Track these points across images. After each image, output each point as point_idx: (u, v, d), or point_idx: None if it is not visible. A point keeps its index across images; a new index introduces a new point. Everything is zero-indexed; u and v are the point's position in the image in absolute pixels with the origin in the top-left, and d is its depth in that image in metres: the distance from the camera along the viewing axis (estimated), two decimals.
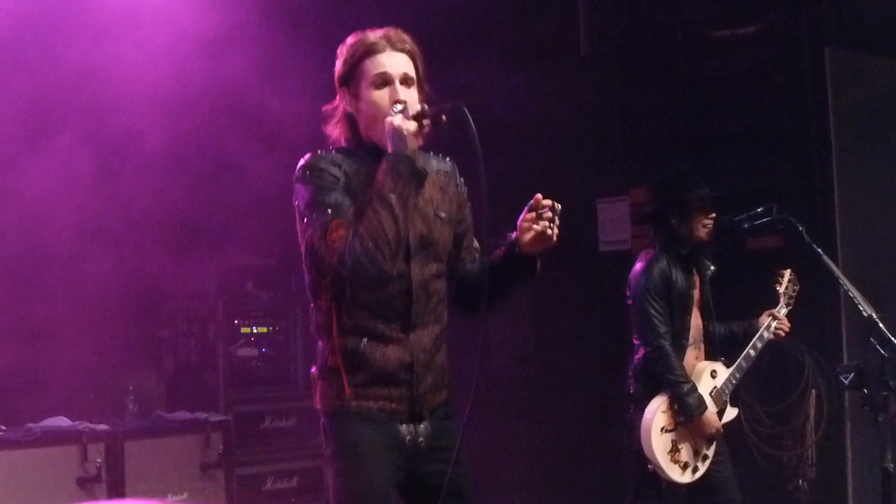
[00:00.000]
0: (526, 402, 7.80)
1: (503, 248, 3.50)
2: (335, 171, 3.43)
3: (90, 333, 6.51)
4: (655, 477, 5.26)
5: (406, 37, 3.53)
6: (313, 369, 3.56)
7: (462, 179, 3.68)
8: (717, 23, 7.18)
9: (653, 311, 5.27)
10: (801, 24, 6.78)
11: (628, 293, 5.44)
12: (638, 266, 5.44)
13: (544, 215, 3.36)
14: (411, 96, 3.45)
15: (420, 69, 3.53)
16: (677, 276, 5.32)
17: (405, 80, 3.47)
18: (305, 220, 3.42)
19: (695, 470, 5.30)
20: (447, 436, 3.53)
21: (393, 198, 3.31)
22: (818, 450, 6.56)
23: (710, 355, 5.46)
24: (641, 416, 5.27)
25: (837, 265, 5.13)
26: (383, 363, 3.42)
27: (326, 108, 3.61)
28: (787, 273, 5.53)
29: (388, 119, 3.37)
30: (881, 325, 4.33)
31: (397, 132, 3.35)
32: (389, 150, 3.37)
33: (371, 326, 3.43)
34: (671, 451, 5.25)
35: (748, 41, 7.02)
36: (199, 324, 7.14)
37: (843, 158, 6.71)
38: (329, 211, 3.35)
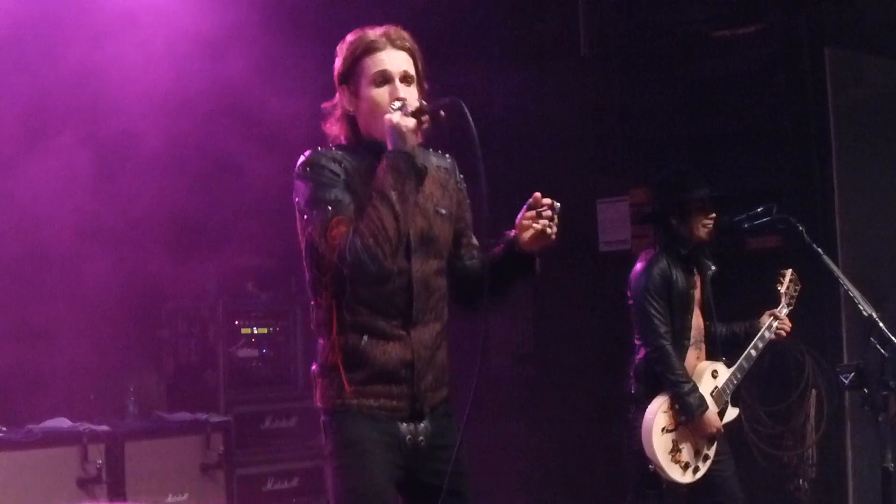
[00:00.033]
0: (526, 402, 7.80)
1: (502, 245, 3.50)
2: (335, 167, 3.42)
3: (90, 334, 6.51)
4: (656, 477, 5.26)
5: (406, 34, 3.53)
6: (314, 367, 3.56)
7: (462, 176, 3.69)
8: (717, 23, 7.17)
9: (653, 311, 5.27)
10: (801, 24, 6.77)
11: (629, 293, 5.44)
12: (638, 266, 5.44)
13: (544, 214, 3.36)
14: (411, 94, 3.46)
15: (420, 67, 3.53)
16: (677, 276, 5.32)
17: (405, 78, 3.47)
18: (305, 216, 3.42)
19: (696, 470, 5.30)
20: (447, 435, 3.53)
21: (393, 195, 3.31)
22: (818, 450, 6.55)
23: (711, 355, 5.46)
24: (642, 417, 5.26)
25: (837, 265, 5.12)
26: (384, 360, 3.42)
27: (326, 105, 3.61)
28: (789, 273, 5.53)
29: (387, 116, 3.38)
30: (881, 325, 4.32)
31: (396, 129, 3.36)
32: (389, 147, 3.37)
33: (372, 323, 3.42)
34: (672, 451, 5.24)
35: (748, 41, 7.02)
36: (199, 324, 7.14)
37: (843, 158, 6.70)
38: (329, 208, 3.35)
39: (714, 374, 5.38)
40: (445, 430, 3.54)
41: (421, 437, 3.48)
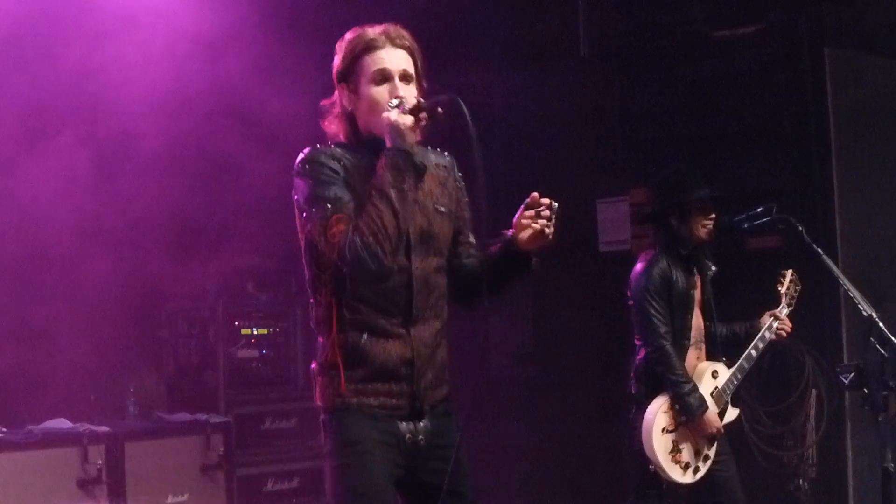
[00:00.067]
0: (526, 402, 7.80)
1: (499, 244, 3.50)
2: (335, 165, 3.43)
3: (90, 334, 6.51)
4: (656, 477, 5.25)
5: (405, 33, 3.53)
6: (313, 365, 3.56)
7: (460, 174, 3.69)
8: (717, 23, 7.17)
9: (653, 312, 5.27)
10: (800, 25, 6.77)
11: (629, 294, 5.44)
12: (638, 266, 5.43)
13: (542, 213, 3.36)
14: (410, 93, 3.46)
15: (419, 65, 3.54)
16: (677, 276, 5.32)
17: (404, 77, 3.48)
18: (305, 214, 3.42)
19: (696, 470, 5.29)
20: (447, 434, 3.53)
21: (392, 192, 3.31)
22: (818, 450, 6.55)
23: (712, 356, 5.45)
24: (643, 417, 5.26)
25: (837, 265, 5.12)
26: (384, 358, 3.42)
27: (324, 103, 3.61)
28: (789, 273, 5.53)
29: (385, 114, 3.38)
30: (881, 325, 4.32)
31: (394, 127, 3.36)
32: (388, 145, 3.37)
33: (372, 321, 3.42)
34: (672, 452, 5.24)
35: (748, 41, 7.02)
36: (199, 325, 7.14)
37: (843, 158, 6.70)
38: (329, 206, 3.35)
39: (714, 375, 5.38)
40: (445, 429, 3.53)
41: (421, 436, 3.48)
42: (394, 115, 3.37)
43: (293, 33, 6.49)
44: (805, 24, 6.76)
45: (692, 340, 5.38)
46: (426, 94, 3.48)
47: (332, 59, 3.59)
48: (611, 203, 7.50)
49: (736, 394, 5.43)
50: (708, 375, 5.36)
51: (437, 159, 3.64)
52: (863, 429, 6.39)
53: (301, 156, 3.48)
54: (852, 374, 4.37)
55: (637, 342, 5.40)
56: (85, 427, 6.12)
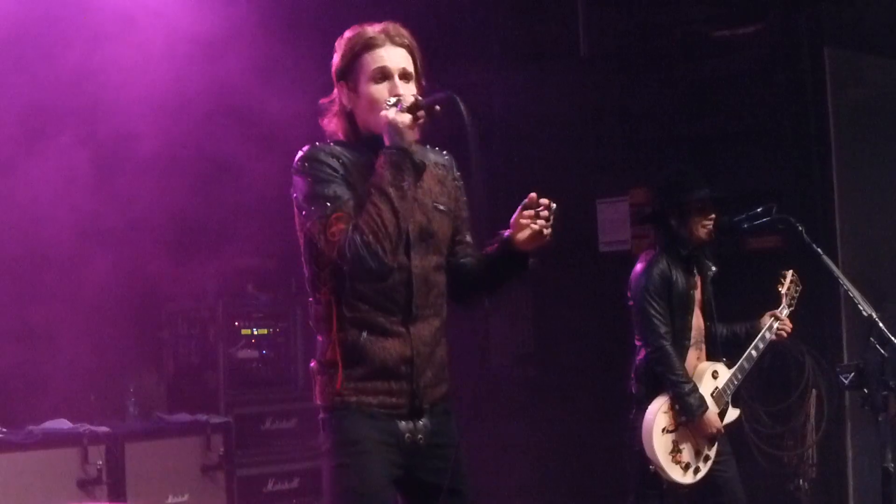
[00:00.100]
0: (526, 403, 7.80)
1: (496, 245, 3.50)
2: (334, 163, 3.42)
3: (90, 335, 6.50)
4: (657, 477, 5.26)
5: (404, 31, 3.53)
6: (312, 363, 3.55)
7: (459, 174, 3.68)
8: (717, 23, 7.18)
9: (653, 312, 5.27)
10: (800, 24, 6.78)
11: (629, 294, 5.44)
12: (638, 267, 5.44)
13: (542, 214, 3.36)
14: (410, 91, 3.45)
15: (418, 64, 3.53)
16: (677, 276, 5.32)
17: (404, 75, 3.48)
18: (304, 212, 3.41)
19: (696, 471, 5.29)
20: (446, 433, 3.53)
21: (392, 191, 3.31)
22: (818, 450, 6.55)
23: (712, 356, 5.45)
24: (643, 417, 5.26)
25: (837, 265, 5.12)
26: (383, 357, 3.42)
27: (323, 101, 3.61)
28: (790, 274, 5.53)
29: (383, 113, 3.38)
30: (881, 325, 4.32)
31: (392, 126, 3.36)
32: (386, 143, 3.37)
33: (371, 319, 3.42)
34: (672, 452, 5.24)
35: (748, 41, 7.02)
36: (199, 325, 7.13)
37: (842, 158, 6.70)
38: (328, 204, 3.35)
39: (714, 375, 5.38)
40: (445, 429, 3.53)
41: (420, 436, 3.47)
42: (392, 113, 3.36)
43: (293, 33, 6.48)
44: (805, 23, 6.76)
45: (692, 341, 5.38)
46: (425, 93, 3.48)
47: (332, 59, 3.59)
48: (611, 203, 7.50)
49: (736, 394, 5.43)
50: (708, 376, 5.36)
51: (435, 158, 3.63)
52: (863, 429, 6.39)
53: (300, 153, 3.47)
54: (852, 374, 4.37)
55: (637, 342, 5.40)
56: (85, 427, 6.12)
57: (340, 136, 3.57)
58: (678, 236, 5.36)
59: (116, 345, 6.77)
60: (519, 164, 7.57)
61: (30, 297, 6.33)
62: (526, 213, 3.39)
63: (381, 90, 3.45)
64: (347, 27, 3.58)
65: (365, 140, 3.50)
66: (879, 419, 4.23)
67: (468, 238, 3.69)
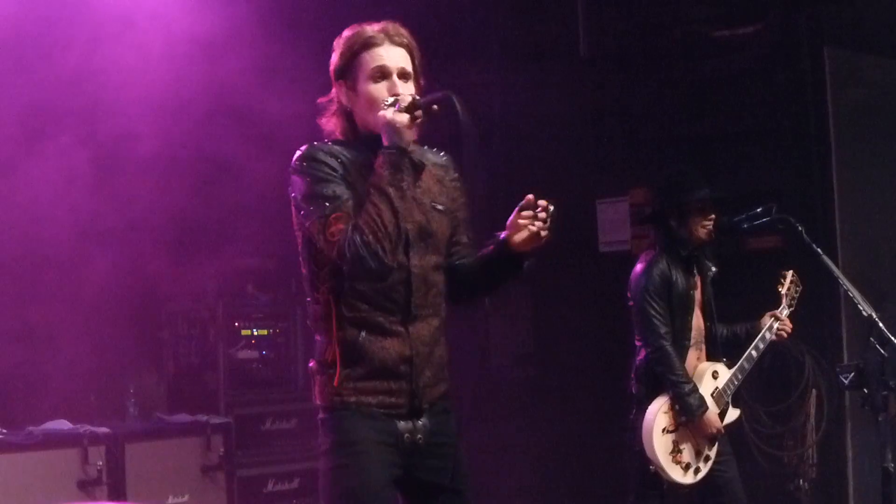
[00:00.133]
0: (526, 403, 7.80)
1: (492, 246, 3.50)
2: (333, 162, 3.42)
3: (90, 336, 6.50)
4: (657, 478, 5.25)
5: (403, 30, 3.53)
6: (311, 363, 3.54)
7: (457, 174, 3.68)
8: (717, 23, 7.18)
9: (653, 312, 5.27)
10: (800, 24, 6.78)
11: (629, 294, 5.44)
12: (638, 267, 5.43)
13: (540, 215, 3.36)
14: (408, 90, 3.45)
15: (417, 63, 3.53)
16: (677, 276, 5.32)
17: (403, 75, 3.48)
18: (303, 212, 3.41)
19: (696, 471, 5.29)
20: (445, 432, 3.52)
21: (391, 190, 3.31)
22: (818, 450, 6.55)
23: (712, 356, 5.45)
24: (643, 417, 5.26)
25: (837, 265, 5.12)
26: (383, 356, 3.41)
27: (322, 100, 3.61)
28: (790, 274, 5.53)
29: (381, 113, 3.38)
30: (881, 325, 4.32)
31: (390, 125, 3.36)
32: (385, 143, 3.37)
33: (370, 319, 3.42)
34: (672, 452, 5.24)
35: (748, 41, 7.02)
36: (199, 326, 7.13)
37: (842, 158, 6.70)
38: (327, 203, 3.34)
39: (715, 375, 5.38)
40: (444, 428, 3.53)
41: (419, 435, 3.47)
42: (390, 113, 3.36)
43: (292, 33, 6.48)
44: (804, 23, 6.76)
45: (692, 341, 5.38)
46: (423, 93, 3.47)
47: (331, 59, 3.58)
48: (611, 203, 7.50)
49: (736, 394, 5.43)
50: (708, 376, 5.36)
51: (434, 158, 3.63)
52: (863, 429, 6.39)
53: (299, 152, 3.46)
54: (852, 374, 4.37)
55: (637, 343, 5.40)
56: (85, 428, 6.12)
57: (339, 136, 3.56)
58: (678, 236, 5.36)
59: (116, 345, 6.77)
60: (519, 164, 7.56)
61: (30, 297, 6.33)
62: (524, 214, 3.38)
63: (379, 89, 3.45)
64: (347, 27, 3.58)
65: (364, 139, 3.50)
66: (879, 419, 4.23)
67: (465, 239, 3.68)
